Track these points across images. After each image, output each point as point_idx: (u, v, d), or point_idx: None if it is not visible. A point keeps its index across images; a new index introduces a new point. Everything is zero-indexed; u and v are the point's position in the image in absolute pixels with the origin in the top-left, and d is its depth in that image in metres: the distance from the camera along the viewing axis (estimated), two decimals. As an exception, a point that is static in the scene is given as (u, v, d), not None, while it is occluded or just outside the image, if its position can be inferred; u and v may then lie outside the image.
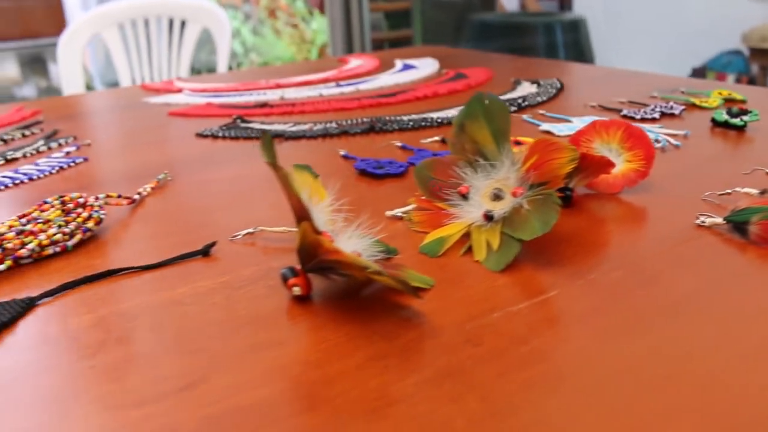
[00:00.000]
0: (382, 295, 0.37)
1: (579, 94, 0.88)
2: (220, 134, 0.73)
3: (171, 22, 1.84)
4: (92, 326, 0.36)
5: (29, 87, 4.30)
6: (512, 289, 0.38)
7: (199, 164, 0.64)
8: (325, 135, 0.70)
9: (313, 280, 0.37)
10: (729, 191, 0.50)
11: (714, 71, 2.93)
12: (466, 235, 0.43)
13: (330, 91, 0.93)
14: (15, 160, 0.70)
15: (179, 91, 1.00)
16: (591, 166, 0.47)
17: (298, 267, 0.37)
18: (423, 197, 0.46)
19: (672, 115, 0.74)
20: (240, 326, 0.35)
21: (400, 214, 0.47)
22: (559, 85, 0.90)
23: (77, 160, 0.67)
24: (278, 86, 0.98)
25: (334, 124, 0.73)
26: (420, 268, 0.40)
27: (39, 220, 0.45)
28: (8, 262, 0.43)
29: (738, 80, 2.84)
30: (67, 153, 0.71)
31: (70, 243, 0.45)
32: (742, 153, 0.61)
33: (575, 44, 2.80)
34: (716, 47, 2.93)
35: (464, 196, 0.44)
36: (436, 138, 0.68)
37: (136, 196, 0.53)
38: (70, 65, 1.72)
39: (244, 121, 0.78)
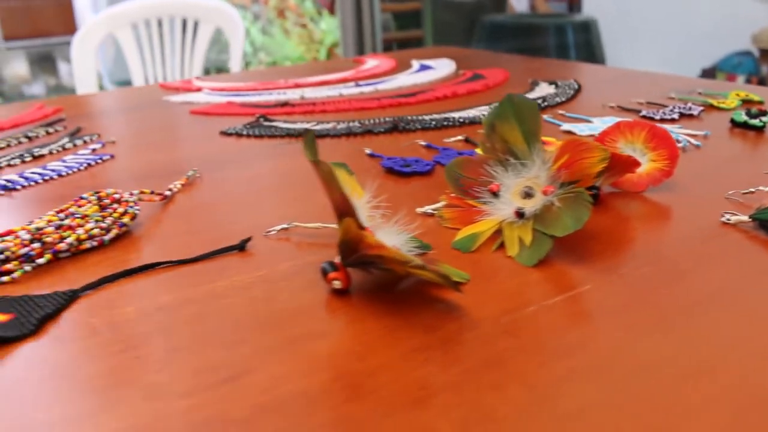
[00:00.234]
0: (418, 288, 0.38)
1: (596, 94, 0.89)
2: (245, 132, 0.74)
3: (184, 22, 1.85)
4: (135, 318, 0.37)
5: (38, 85, 4.32)
6: (545, 284, 0.39)
7: (225, 162, 0.65)
8: (349, 134, 0.71)
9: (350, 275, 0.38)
10: (753, 190, 0.50)
11: (724, 72, 2.92)
12: (497, 232, 0.44)
13: (349, 90, 0.94)
14: (41, 156, 0.71)
15: (198, 90, 1.01)
16: (617, 165, 0.47)
17: (337, 261, 0.38)
18: (453, 195, 0.47)
19: (691, 115, 0.75)
20: (281, 319, 0.36)
21: (430, 211, 0.48)
22: (576, 86, 0.90)
23: (104, 157, 0.68)
24: (297, 86, 0.99)
25: (357, 123, 0.74)
26: (453, 264, 0.40)
27: (77, 215, 0.46)
28: (48, 256, 0.44)
29: (748, 81, 2.84)
30: (93, 150, 0.72)
31: (106, 237, 0.46)
32: (762, 153, 0.62)
33: (586, 45, 2.81)
34: (726, 48, 2.92)
35: (495, 194, 0.45)
36: (460, 137, 0.68)
37: (167, 193, 0.54)
38: (83, 64, 1.73)
39: (267, 119, 0.79)
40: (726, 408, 0.27)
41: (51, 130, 0.82)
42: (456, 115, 0.77)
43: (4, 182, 0.61)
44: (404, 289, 0.38)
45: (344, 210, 0.35)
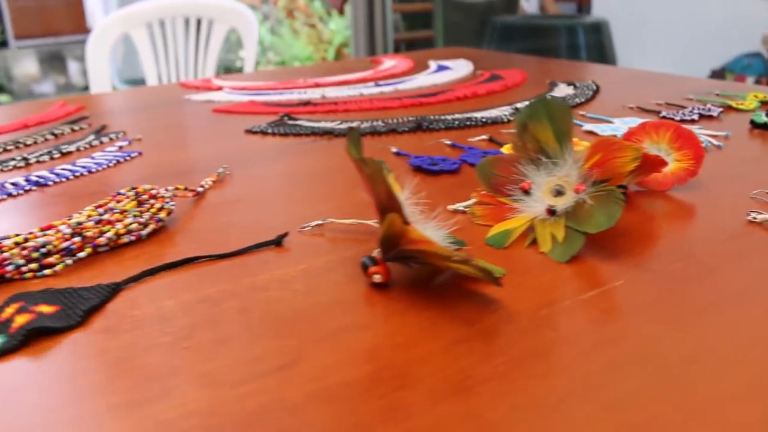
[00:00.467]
0: (454, 283, 0.39)
1: (614, 95, 0.90)
2: (270, 131, 0.75)
3: (198, 22, 1.86)
4: (180, 310, 0.38)
5: (48, 84, 4.35)
6: (579, 279, 0.39)
7: (252, 159, 0.66)
8: (374, 133, 0.72)
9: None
10: (778, 190, 0.51)
11: (733, 73, 2.93)
12: (529, 229, 0.45)
13: (370, 90, 0.95)
14: (69, 153, 0.72)
15: (219, 89, 1.02)
16: (645, 164, 0.48)
17: (376, 255, 0.39)
18: (484, 192, 0.48)
19: (710, 117, 0.75)
20: (324, 311, 0.37)
21: (461, 208, 0.49)
22: (594, 87, 0.91)
23: (132, 154, 0.69)
24: (317, 85, 1.00)
25: (380, 123, 0.75)
26: (487, 259, 0.41)
27: (115, 210, 0.47)
28: (88, 250, 0.45)
29: (757, 83, 2.84)
30: (120, 147, 0.73)
31: (144, 232, 0.47)
32: (784, 154, 0.62)
33: (597, 46, 2.82)
34: (735, 50, 2.93)
35: (526, 192, 0.46)
36: (483, 137, 0.69)
37: (200, 189, 0.55)
38: (98, 64, 1.75)
39: (291, 118, 0.80)
40: (759, 399, 0.28)
41: (76, 127, 0.83)
42: (478, 115, 0.77)
43: (35, 178, 0.62)
44: (440, 284, 0.39)
45: (388, 206, 0.36)
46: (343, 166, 0.63)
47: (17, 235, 0.44)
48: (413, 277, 0.40)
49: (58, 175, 0.63)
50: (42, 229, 0.45)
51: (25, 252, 0.43)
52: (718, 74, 2.94)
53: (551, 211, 0.44)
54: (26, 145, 0.76)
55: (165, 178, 0.62)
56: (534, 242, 0.44)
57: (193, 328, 0.36)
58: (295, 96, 0.93)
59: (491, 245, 0.44)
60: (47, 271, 0.43)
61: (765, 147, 0.65)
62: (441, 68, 1.10)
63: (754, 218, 0.47)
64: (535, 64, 1.21)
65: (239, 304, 0.38)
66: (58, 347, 0.35)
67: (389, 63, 1.17)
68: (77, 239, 0.44)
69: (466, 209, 0.49)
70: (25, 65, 4.31)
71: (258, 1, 4.22)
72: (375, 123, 0.75)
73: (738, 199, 0.51)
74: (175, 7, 1.84)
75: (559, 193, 0.44)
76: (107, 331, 0.36)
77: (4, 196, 0.58)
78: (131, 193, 0.49)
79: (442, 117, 0.77)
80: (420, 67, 1.14)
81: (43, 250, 0.43)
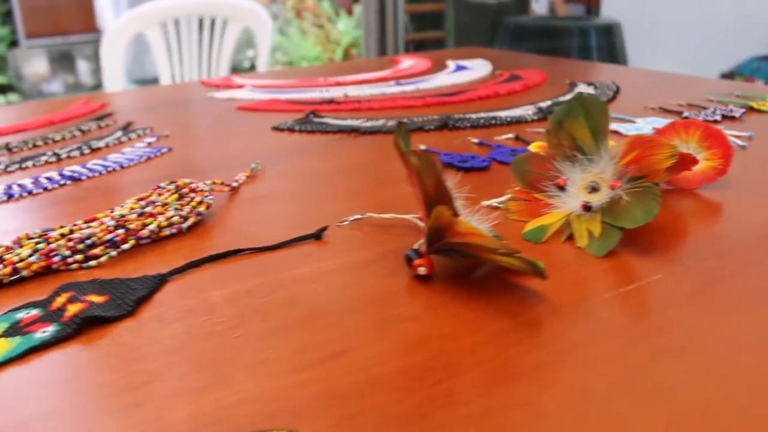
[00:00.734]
0: (494, 275, 0.40)
1: (633, 96, 0.90)
2: (297, 128, 0.75)
3: (212, 21, 1.87)
4: (226, 301, 0.38)
5: (57, 83, 4.37)
6: (617, 273, 0.40)
7: (282, 156, 0.67)
8: (400, 130, 0.73)
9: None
10: (806, 189, 0.52)
11: (742, 76, 2.93)
12: (563, 225, 0.45)
13: (392, 89, 0.95)
14: (99, 149, 0.73)
15: (240, 87, 1.03)
16: (678, 162, 0.49)
17: (419, 248, 0.39)
18: (519, 188, 0.49)
19: (732, 117, 0.76)
20: (369, 303, 0.38)
21: (496, 204, 0.50)
22: (615, 88, 0.92)
23: (162, 150, 0.70)
24: (338, 84, 1.01)
25: (406, 121, 0.76)
26: (525, 254, 0.42)
27: (157, 203, 0.48)
28: (132, 241, 0.45)
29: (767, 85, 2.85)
30: (149, 143, 0.74)
31: (185, 225, 0.48)
32: (808, 154, 0.63)
33: (609, 48, 2.83)
34: (745, 53, 2.93)
35: (561, 188, 0.46)
36: (510, 135, 0.70)
37: (234, 184, 0.56)
38: (112, 63, 1.76)
39: (316, 116, 0.81)
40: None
41: (102, 124, 0.84)
42: (502, 114, 0.78)
43: (69, 173, 0.63)
44: (481, 276, 0.40)
45: (436, 199, 0.37)
46: (372, 162, 0.64)
47: (62, 227, 0.45)
48: (454, 269, 0.41)
49: (90, 170, 0.64)
50: (86, 221, 0.46)
51: (70, 243, 0.44)
52: (727, 77, 2.94)
53: (587, 207, 0.44)
54: (54, 141, 0.77)
55: (197, 173, 0.62)
56: (570, 238, 0.44)
57: (243, 318, 0.36)
58: (317, 94, 0.94)
59: (528, 240, 0.44)
60: (92, 263, 0.44)
61: (789, 147, 0.65)
62: (459, 68, 1.11)
63: (785, 216, 0.47)
64: (551, 65, 1.21)
65: (285, 296, 0.39)
66: (110, 336, 0.35)
67: (408, 62, 1.18)
68: (121, 231, 0.45)
69: (501, 205, 0.49)
70: (35, 64, 4.33)
71: (267, 0, 4.23)
72: (401, 121, 0.76)
73: (766, 198, 0.51)
74: (190, 6, 1.85)
75: (593, 189, 0.45)
76: (158, 321, 0.37)
77: (40, 190, 0.59)
78: (172, 187, 0.50)
79: (467, 116, 0.77)
80: (438, 67, 1.15)
81: (88, 241, 0.44)
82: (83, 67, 4.45)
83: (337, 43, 4.34)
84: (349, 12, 4.35)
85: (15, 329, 0.36)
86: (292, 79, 1.09)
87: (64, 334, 0.35)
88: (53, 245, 0.43)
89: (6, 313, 0.38)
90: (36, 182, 0.61)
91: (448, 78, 1.03)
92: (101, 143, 0.74)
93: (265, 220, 0.51)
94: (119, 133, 0.78)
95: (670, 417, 0.28)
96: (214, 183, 0.54)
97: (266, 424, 0.28)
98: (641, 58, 3.10)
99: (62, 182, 0.61)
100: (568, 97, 0.87)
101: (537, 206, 0.47)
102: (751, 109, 0.80)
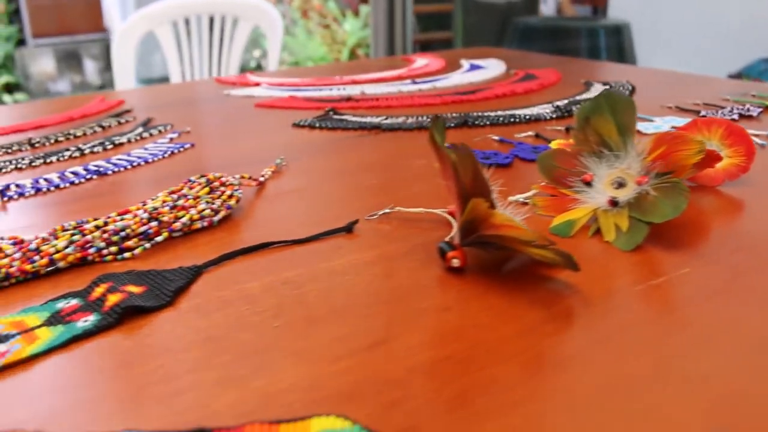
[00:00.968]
0: (526, 268, 0.41)
1: (649, 95, 0.91)
2: (317, 125, 0.76)
3: (223, 20, 1.88)
4: (263, 292, 0.39)
5: (64, 82, 4.38)
6: (646, 267, 0.41)
7: (304, 152, 0.68)
8: (420, 128, 0.74)
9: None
10: (827, 186, 0.52)
11: (750, 78, 2.93)
12: (590, 220, 0.46)
13: (408, 87, 0.96)
14: (121, 144, 0.73)
15: (257, 84, 1.04)
16: (703, 159, 0.50)
17: (452, 241, 0.40)
18: (545, 184, 0.49)
19: (750, 117, 0.77)
20: (405, 293, 0.38)
21: (522, 200, 0.50)
22: (630, 87, 0.92)
23: (185, 146, 0.71)
24: (355, 82, 1.02)
25: (426, 118, 0.77)
26: (555, 247, 0.43)
27: (188, 197, 0.49)
28: (165, 234, 0.46)
29: (774, 88, 2.84)
30: (171, 139, 0.74)
31: (216, 218, 0.49)
32: (827, 152, 0.64)
33: (617, 48, 2.83)
34: (752, 54, 2.93)
35: (588, 184, 0.47)
36: (529, 133, 0.71)
37: (261, 178, 0.57)
38: (123, 61, 1.77)
39: (336, 113, 0.81)
40: None
41: (122, 120, 0.85)
42: (520, 112, 0.79)
43: (94, 168, 0.64)
44: (513, 269, 0.41)
45: (473, 192, 0.37)
46: (393, 159, 0.65)
47: (96, 219, 0.46)
48: (485, 262, 0.42)
49: (115, 165, 0.65)
50: (119, 214, 0.47)
51: (105, 235, 0.45)
52: (735, 78, 2.94)
53: (614, 202, 0.45)
54: (76, 137, 0.78)
55: (221, 168, 0.63)
56: (597, 232, 0.45)
57: (281, 308, 0.37)
58: (335, 92, 0.95)
59: (556, 234, 0.45)
60: (127, 254, 0.44)
61: (806, 146, 0.66)
62: (474, 67, 1.11)
63: (808, 213, 0.48)
64: (563, 64, 1.22)
65: (320, 287, 0.39)
66: (150, 325, 0.36)
67: (422, 61, 1.18)
68: (154, 224, 0.46)
69: (527, 200, 0.50)
70: (42, 63, 4.34)
71: (273, 0, 4.24)
72: (420, 118, 0.77)
73: (788, 195, 0.52)
74: (200, 4, 1.86)
75: (620, 185, 0.46)
76: (197, 311, 0.37)
77: (67, 185, 0.60)
78: (203, 180, 0.51)
79: (486, 114, 0.78)
80: (451, 66, 1.16)
81: (122, 233, 0.45)
82: (90, 66, 4.46)
83: (343, 43, 4.34)
84: (356, 12, 4.36)
85: (57, 318, 0.36)
86: (305, 77, 1.10)
87: (105, 323, 0.36)
88: (88, 237, 0.44)
89: (46, 303, 0.38)
90: (62, 177, 0.62)
91: (463, 77, 1.03)
92: (123, 139, 0.75)
93: (293, 214, 0.52)
94: (140, 129, 0.79)
95: (705, 405, 0.28)
96: (242, 177, 0.55)
97: (312, 411, 0.28)
98: (649, 60, 3.10)
99: (88, 176, 0.62)
100: (585, 96, 0.88)
101: (564, 201, 0.47)
102: (767, 109, 0.80)
